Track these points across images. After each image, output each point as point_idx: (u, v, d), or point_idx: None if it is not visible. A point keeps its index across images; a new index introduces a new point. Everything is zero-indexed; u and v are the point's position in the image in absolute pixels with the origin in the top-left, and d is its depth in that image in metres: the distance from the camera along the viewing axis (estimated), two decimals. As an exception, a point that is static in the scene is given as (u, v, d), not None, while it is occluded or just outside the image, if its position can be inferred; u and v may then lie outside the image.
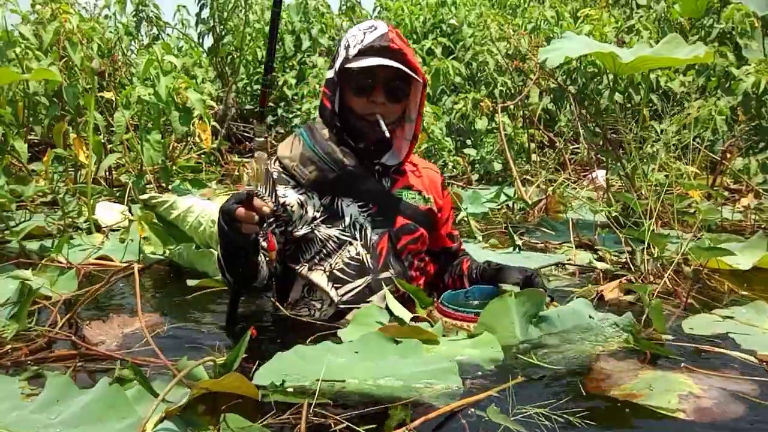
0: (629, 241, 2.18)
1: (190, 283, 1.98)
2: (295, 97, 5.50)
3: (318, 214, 1.53)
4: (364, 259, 1.53)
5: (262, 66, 6.24)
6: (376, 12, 6.99)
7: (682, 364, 1.30)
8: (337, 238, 1.52)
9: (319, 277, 1.53)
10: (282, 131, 5.79)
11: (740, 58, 4.59)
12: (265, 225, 1.38)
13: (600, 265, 2.17)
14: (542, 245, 2.62)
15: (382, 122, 1.48)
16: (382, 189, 1.58)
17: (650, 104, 4.67)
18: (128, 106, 3.32)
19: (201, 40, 5.95)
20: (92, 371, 1.38)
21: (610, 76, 2.96)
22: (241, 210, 1.27)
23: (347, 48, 1.49)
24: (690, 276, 1.97)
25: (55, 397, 1.10)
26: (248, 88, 6.23)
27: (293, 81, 5.65)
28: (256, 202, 1.28)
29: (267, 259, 1.48)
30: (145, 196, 2.29)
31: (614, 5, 6.34)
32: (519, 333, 1.39)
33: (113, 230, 2.72)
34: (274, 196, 1.54)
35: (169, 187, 3.67)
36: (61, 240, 2.25)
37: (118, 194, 3.34)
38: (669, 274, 1.84)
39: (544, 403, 1.08)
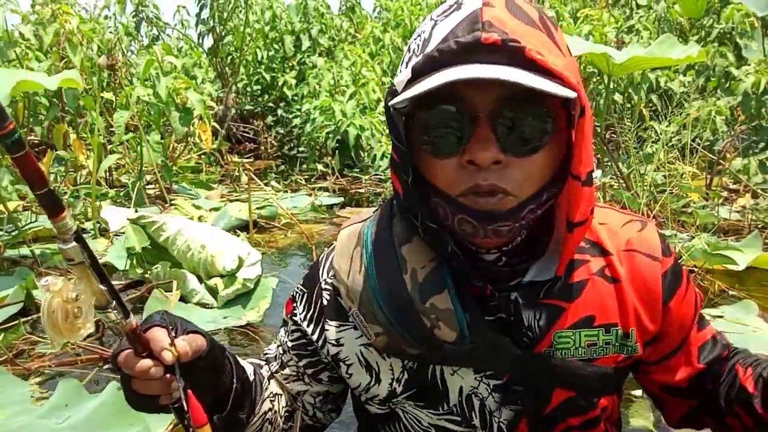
0: None
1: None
2: (295, 98, 5.52)
3: (399, 387, 0.80)
4: None
5: (262, 66, 6.32)
6: (376, 12, 6.99)
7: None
8: (435, 426, 0.81)
9: None
10: (282, 131, 5.80)
11: (740, 58, 4.59)
12: (178, 381, 0.64)
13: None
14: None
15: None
16: (521, 352, 0.75)
17: (650, 104, 4.67)
18: (128, 107, 3.33)
19: (201, 41, 5.96)
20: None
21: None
22: (124, 356, 0.64)
23: (407, 61, 0.68)
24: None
25: (64, 402, 1.10)
26: (248, 89, 6.24)
27: (293, 81, 5.67)
28: (155, 342, 0.64)
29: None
30: (134, 215, 2.19)
31: (614, 5, 6.34)
32: None
33: (117, 235, 2.70)
34: (321, 336, 0.83)
35: (174, 187, 3.68)
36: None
37: (122, 194, 3.34)
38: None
39: None
